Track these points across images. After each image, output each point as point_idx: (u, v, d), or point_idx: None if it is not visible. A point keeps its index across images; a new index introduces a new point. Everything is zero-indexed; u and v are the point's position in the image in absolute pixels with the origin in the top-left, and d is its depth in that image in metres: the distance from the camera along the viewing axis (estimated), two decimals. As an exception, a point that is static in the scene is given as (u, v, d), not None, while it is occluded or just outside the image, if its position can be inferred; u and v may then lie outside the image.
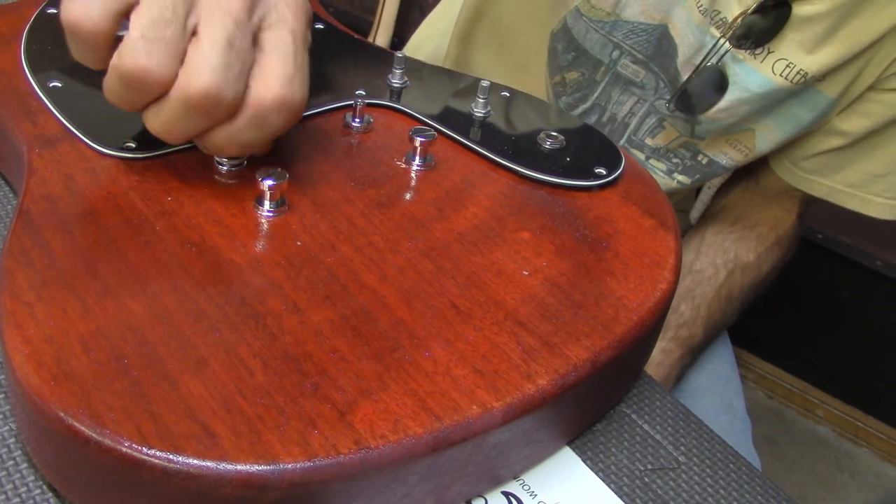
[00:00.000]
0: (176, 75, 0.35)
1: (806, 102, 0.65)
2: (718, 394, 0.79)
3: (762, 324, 1.72)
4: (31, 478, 0.34)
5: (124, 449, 0.29)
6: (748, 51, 0.61)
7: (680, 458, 0.38)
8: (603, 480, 0.37)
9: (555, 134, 0.47)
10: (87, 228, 0.37)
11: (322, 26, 0.56)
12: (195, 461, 0.28)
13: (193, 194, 0.40)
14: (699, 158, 0.71)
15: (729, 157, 0.70)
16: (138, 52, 0.35)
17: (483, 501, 0.36)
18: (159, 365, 0.31)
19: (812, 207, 0.78)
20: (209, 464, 0.28)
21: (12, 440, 0.34)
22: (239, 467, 0.29)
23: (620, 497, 0.36)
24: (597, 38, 0.66)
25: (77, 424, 0.29)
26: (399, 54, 0.50)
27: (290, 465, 0.29)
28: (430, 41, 0.85)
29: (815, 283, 1.63)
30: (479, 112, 0.49)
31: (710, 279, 0.76)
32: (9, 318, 0.32)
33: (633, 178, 0.46)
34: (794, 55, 0.60)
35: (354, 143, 0.46)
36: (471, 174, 0.45)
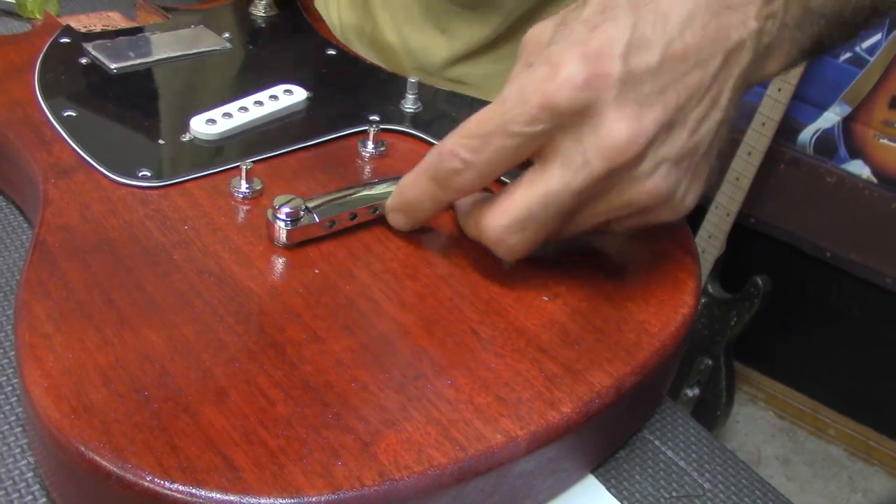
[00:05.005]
0: None
1: None
2: None
3: (771, 342, 1.71)
4: (49, 512, 0.33)
5: (146, 483, 0.28)
6: None
7: (705, 485, 0.38)
8: (627, 508, 0.36)
9: (570, 157, 0.47)
10: (103, 258, 0.37)
11: (334, 52, 0.56)
12: (218, 495, 0.28)
13: (210, 223, 0.40)
14: None
15: None
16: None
17: (506, 531, 0.35)
18: (179, 396, 0.31)
19: (820, 225, 0.75)
20: (232, 497, 0.28)
21: (30, 474, 0.34)
22: (262, 501, 0.28)
23: (645, 525, 0.36)
24: None
25: (98, 458, 0.29)
26: (412, 79, 0.50)
27: (314, 498, 0.28)
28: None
29: (825, 302, 1.62)
30: (493, 136, 0.48)
31: None
32: (27, 351, 0.32)
33: (650, 201, 0.46)
34: None
35: (369, 169, 0.46)
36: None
